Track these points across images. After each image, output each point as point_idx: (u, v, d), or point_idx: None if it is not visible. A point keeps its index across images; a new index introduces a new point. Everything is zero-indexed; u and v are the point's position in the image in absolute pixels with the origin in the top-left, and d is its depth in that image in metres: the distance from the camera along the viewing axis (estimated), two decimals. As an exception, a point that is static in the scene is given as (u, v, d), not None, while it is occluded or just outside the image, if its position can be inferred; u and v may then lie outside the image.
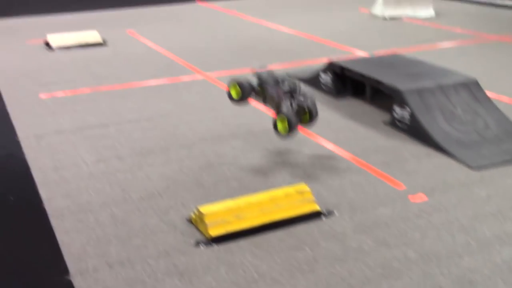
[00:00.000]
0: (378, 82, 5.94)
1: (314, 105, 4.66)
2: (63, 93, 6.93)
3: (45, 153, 5.21)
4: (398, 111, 5.54)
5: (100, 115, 6.14)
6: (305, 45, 9.10)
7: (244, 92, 4.78)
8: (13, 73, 7.83)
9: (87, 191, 4.48)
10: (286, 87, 4.65)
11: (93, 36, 9.48)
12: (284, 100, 4.62)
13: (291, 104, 4.60)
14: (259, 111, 6.13)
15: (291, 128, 4.54)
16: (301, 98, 4.63)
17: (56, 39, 9.28)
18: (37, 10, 12.91)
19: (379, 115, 5.97)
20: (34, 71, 7.94)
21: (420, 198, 4.28)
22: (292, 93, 4.65)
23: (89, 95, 6.84)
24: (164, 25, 10.92)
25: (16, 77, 7.64)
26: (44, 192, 4.48)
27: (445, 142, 5.10)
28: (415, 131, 5.34)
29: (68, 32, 9.78)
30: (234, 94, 4.84)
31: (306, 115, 4.67)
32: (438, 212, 4.08)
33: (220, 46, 9.14)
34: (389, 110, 5.77)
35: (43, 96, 6.84)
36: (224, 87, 6.96)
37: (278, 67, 7.77)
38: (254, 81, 4.85)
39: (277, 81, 4.71)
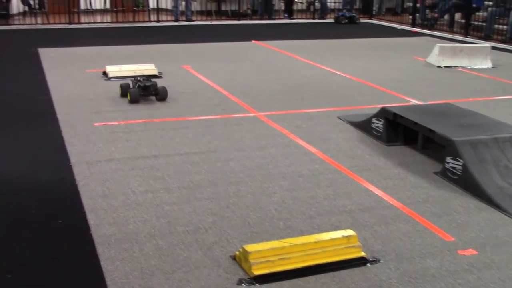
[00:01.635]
0: (431, 131, 5.86)
1: (161, 88, 8.20)
2: (117, 122, 7.07)
3: (95, 180, 5.29)
4: (450, 162, 5.44)
5: (152, 146, 6.22)
6: (358, 89, 9.09)
7: (123, 90, 8.19)
8: (71, 100, 8.05)
9: (134, 221, 4.51)
10: (141, 83, 8.14)
11: (149, 68, 9.70)
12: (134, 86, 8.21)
13: (138, 87, 8.09)
14: (310, 153, 6.12)
15: (132, 97, 7.93)
16: (149, 85, 8.08)
17: (114, 70, 9.53)
18: (99, 42, 13.31)
19: (430, 165, 5.88)
20: (91, 99, 8.14)
21: (469, 252, 4.16)
22: (144, 84, 8.08)
23: (142, 125, 6.96)
24: (219, 62, 11.09)
25: (73, 104, 7.84)
26: (92, 219, 4.53)
27: (498, 197, 4.98)
28: (467, 184, 5.22)
29: (125, 64, 10.05)
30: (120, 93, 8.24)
31: (158, 95, 8.11)
32: (489, 268, 3.95)
33: (273, 85, 9.21)
34: (441, 160, 5.67)
35: (97, 124, 6.99)
36: (275, 126, 7.00)
37: (330, 110, 7.78)
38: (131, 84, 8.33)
39: (138, 81, 8.23)
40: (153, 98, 8.16)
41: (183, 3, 17.43)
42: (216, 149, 6.22)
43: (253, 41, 13.92)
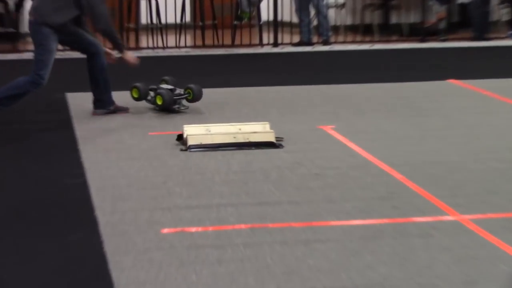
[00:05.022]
0: None
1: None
2: (201, 227, 7.13)
3: None
4: None
5: (264, 277, 6.16)
6: None
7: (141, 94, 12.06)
8: (121, 186, 8.36)
9: None
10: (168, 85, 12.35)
11: (260, 130, 9.96)
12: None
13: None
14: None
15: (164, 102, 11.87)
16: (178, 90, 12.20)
17: (197, 133, 10.06)
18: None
19: None
20: (155, 185, 8.43)
21: None
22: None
23: (245, 234, 6.92)
24: (382, 119, 11.18)
25: (124, 194, 8.13)
26: None
27: None
28: None
29: (217, 123, 10.40)
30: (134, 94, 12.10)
31: (190, 97, 12.14)
32: None
33: (488, 162, 9.10)
34: None
35: (166, 230, 7.12)
36: (493, 239, 6.74)
37: None
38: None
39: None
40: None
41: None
42: (383, 282, 6.05)
43: (448, 80, 13.80)
